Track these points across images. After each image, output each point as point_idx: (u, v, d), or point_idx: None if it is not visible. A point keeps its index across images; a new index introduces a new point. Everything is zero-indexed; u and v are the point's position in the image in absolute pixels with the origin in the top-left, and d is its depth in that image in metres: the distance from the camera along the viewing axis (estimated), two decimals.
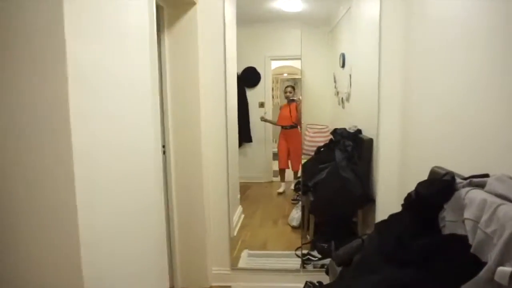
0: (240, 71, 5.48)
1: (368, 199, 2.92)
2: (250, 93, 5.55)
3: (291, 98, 4.74)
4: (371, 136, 3.03)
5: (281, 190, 4.67)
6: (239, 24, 4.25)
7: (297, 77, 9.01)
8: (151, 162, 1.89)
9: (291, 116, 4.65)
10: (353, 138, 3.27)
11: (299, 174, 4.73)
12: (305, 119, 5.24)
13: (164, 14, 2.64)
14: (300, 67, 7.08)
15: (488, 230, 1.09)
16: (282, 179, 4.78)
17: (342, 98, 4.40)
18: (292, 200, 4.47)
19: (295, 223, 3.55)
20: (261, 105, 5.76)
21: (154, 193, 1.92)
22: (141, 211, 1.74)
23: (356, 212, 3.00)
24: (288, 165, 4.73)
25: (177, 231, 2.74)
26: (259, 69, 5.48)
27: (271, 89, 5.81)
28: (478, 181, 1.35)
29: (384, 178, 2.56)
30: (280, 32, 5.52)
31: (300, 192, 4.30)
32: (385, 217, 2.55)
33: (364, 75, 3.32)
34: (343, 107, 4.38)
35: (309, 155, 4.67)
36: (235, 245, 3.22)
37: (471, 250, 1.19)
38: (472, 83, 1.61)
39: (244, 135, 5.38)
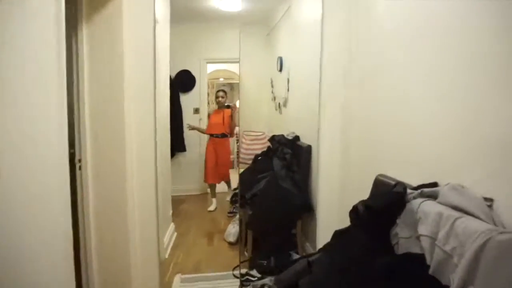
0: (174, 74, 5.11)
1: (307, 209, 2.74)
2: (185, 98, 5.17)
3: (226, 104, 4.44)
4: (309, 143, 2.87)
5: (212, 208, 4.37)
6: (173, 22, 3.88)
7: (234, 81, 8.86)
8: (55, 182, 1.49)
9: (223, 124, 4.36)
10: (292, 145, 3.10)
11: (235, 185, 4.48)
12: (242, 126, 5.02)
13: (82, 1, 2.21)
14: (237, 71, 6.90)
15: (447, 248, 0.94)
16: (213, 194, 4.46)
17: (279, 104, 4.25)
18: (229, 213, 4.18)
19: (232, 238, 3.27)
20: (196, 111, 5.40)
21: (60, 220, 1.52)
22: (43, 243, 1.35)
23: (295, 223, 2.81)
24: (216, 179, 4.41)
25: (96, 259, 2.30)
26: (194, 73, 5.15)
27: (206, 94, 5.50)
28: (429, 191, 1.20)
29: (325, 186, 2.39)
30: (217, 33, 5.24)
31: (237, 205, 4.04)
32: (327, 226, 2.43)
33: (302, 79, 3.17)
34: (280, 112, 4.23)
35: (246, 163, 4.43)
36: (167, 269, 2.85)
37: (430, 272, 1.04)
38: (418, 87, 1.49)
39: (177, 144, 4.98)
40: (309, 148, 2.81)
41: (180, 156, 5.13)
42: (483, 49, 1.09)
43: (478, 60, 1.11)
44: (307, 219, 2.84)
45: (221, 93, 4.45)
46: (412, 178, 1.38)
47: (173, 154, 4.90)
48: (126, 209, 2.15)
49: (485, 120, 1.04)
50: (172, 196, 3.71)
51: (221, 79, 8.61)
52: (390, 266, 1.00)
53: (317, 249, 2.42)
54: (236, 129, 4.68)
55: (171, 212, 3.58)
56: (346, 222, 2.17)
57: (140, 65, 2.33)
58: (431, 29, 1.39)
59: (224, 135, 4.42)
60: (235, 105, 4.55)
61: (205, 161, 4.43)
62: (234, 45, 5.20)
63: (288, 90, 3.84)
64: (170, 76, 4.94)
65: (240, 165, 4.46)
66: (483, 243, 0.79)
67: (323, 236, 2.33)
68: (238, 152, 7.35)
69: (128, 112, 2.12)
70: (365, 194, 1.64)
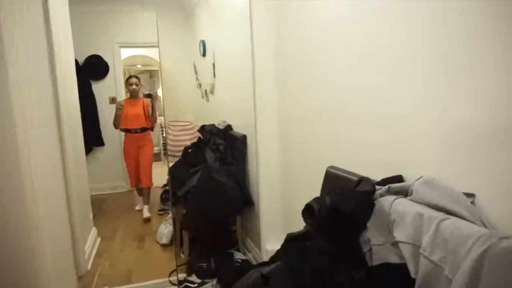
0: (82, 59, 4.52)
1: (247, 203, 2.61)
2: (97, 87, 4.61)
3: (146, 93, 3.87)
4: (243, 132, 2.72)
5: (138, 207, 3.90)
6: (78, 2, 3.37)
7: (153, 68, 8.26)
8: None
9: (145, 116, 3.73)
10: (224, 135, 2.92)
11: (164, 180, 4.14)
12: (166, 116, 4.66)
13: None
14: (156, 57, 6.41)
15: (435, 258, 0.79)
16: (140, 193, 3.92)
17: (205, 91, 4.01)
18: (159, 211, 3.88)
19: (165, 240, 3.01)
20: (113, 100, 4.87)
21: None
22: None
23: (235, 219, 2.67)
24: (140, 182, 3.77)
25: None
26: (106, 58, 4.60)
27: (123, 82, 4.99)
28: (398, 187, 1.05)
29: (266, 178, 2.25)
30: (132, 15, 4.71)
31: (168, 202, 3.76)
32: (271, 221, 2.33)
33: (230, 64, 2.98)
34: (207, 100, 4.01)
35: (174, 156, 4.13)
36: (90, 282, 2.51)
37: (416, 287, 0.87)
38: (353, 72, 1.40)
39: (93, 138, 4.45)
40: (244, 138, 2.66)
41: (98, 151, 4.61)
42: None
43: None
44: (246, 214, 2.71)
45: (134, 80, 3.74)
46: (363, 169, 1.30)
47: (89, 149, 4.38)
48: (26, 219, 1.74)
49: (445, 104, 0.98)
50: (92, 196, 3.30)
51: (139, 66, 7.95)
52: (369, 281, 0.87)
53: (262, 246, 2.33)
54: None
55: (91, 215, 3.17)
56: (291, 217, 2.11)
57: (30, 51, 1.92)
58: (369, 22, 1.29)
59: (145, 129, 3.78)
60: (156, 93, 4.00)
61: (126, 163, 3.83)
62: (151, 28, 4.77)
63: (214, 76, 3.62)
64: (78, 62, 4.38)
65: (169, 158, 4.15)
66: (483, 252, 0.67)
67: (267, 232, 2.23)
68: (164, 144, 6.96)
69: (19, 102, 1.69)
70: (311, 188, 1.54)
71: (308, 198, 1.14)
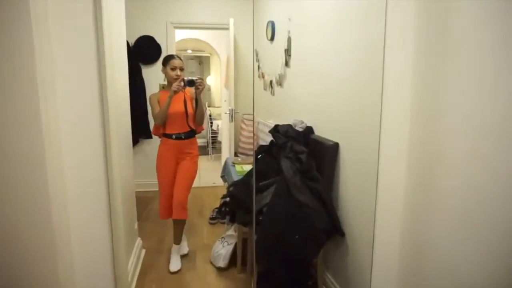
0: (133, 41, 4.07)
1: (336, 233, 2.00)
2: (148, 72, 4.14)
3: (188, 79, 2.45)
4: (330, 138, 2.10)
5: (174, 268, 2.50)
6: None
7: (203, 54, 7.78)
8: None
9: (186, 115, 2.54)
10: (305, 140, 2.31)
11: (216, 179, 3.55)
12: (239, 108, 4.11)
13: None
14: (210, 41, 5.88)
15: None
16: (177, 235, 2.62)
17: (271, 82, 3.42)
18: (211, 219, 3.36)
19: (221, 263, 2.47)
20: (163, 88, 4.41)
21: None
22: None
23: (318, 252, 2.07)
24: (172, 213, 2.55)
25: None
26: (159, 40, 4.13)
27: None
28: None
29: (387, 208, 1.57)
30: None
31: (220, 217, 3.25)
32: (386, 263, 1.66)
33: (318, 51, 2.35)
34: (272, 93, 3.41)
35: (247, 155, 3.59)
36: None
37: None
38: None
39: (140, 129, 4.00)
40: (335, 147, 2.03)
41: (145, 144, 4.18)
42: None
43: None
44: (331, 244, 2.11)
45: (177, 61, 2.53)
46: None
47: (136, 141, 3.95)
48: (49, 233, 1.23)
49: None
50: (137, 193, 2.82)
51: (189, 51, 7.45)
52: None
53: None
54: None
55: (136, 223, 2.70)
56: (414, 257, 1.45)
57: (70, 26, 1.42)
58: None
59: (191, 133, 2.61)
60: (201, 79, 2.53)
61: (160, 184, 2.62)
62: (208, 6, 4.24)
63: (286, 64, 3.01)
64: (128, 43, 3.92)
65: (242, 156, 3.61)
66: None
67: (379, 278, 1.60)
68: (214, 138, 6.49)
69: (51, 93, 1.18)
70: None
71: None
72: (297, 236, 1.90)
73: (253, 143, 2.65)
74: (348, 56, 1.89)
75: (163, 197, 2.61)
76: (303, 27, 2.61)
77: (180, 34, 5.21)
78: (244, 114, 3.83)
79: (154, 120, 2.55)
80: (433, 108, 1.33)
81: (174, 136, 2.57)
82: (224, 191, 3.84)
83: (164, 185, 2.61)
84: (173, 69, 2.51)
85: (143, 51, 4.06)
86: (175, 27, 4.11)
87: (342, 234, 1.98)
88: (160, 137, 2.65)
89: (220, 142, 5.97)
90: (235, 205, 2.36)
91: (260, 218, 2.02)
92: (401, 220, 1.53)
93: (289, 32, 2.89)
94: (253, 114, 2.11)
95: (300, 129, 2.40)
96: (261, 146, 2.58)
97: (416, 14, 1.39)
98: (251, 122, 3.65)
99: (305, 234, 1.92)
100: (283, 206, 2.01)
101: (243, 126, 3.70)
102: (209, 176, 4.76)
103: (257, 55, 3.78)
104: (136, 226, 2.68)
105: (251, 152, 3.61)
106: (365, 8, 1.71)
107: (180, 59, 2.58)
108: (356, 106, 1.81)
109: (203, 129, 2.72)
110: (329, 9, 2.12)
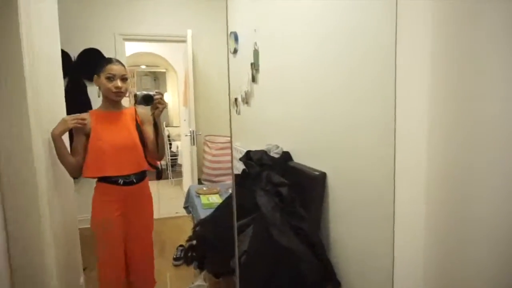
0: (75, 55, 3.56)
1: (327, 281, 1.66)
2: (94, 89, 3.64)
3: (142, 94, 1.73)
4: (316, 167, 1.78)
5: None
6: None
7: (159, 70, 7.27)
8: None
9: (137, 148, 1.78)
10: (282, 169, 1.97)
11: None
12: (200, 129, 3.67)
13: None
14: (166, 55, 5.44)
15: None
16: None
17: (235, 100, 3.08)
18: (175, 260, 2.90)
19: None
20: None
21: None
22: None
23: None
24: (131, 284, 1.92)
25: None
26: (107, 54, 3.65)
27: None
28: None
29: (407, 251, 1.22)
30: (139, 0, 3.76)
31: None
32: None
33: (288, 63, 2.04)
34: (237, 112, 3.06)
35: (212, 182, 3.16)
36: None
37: None
38: None
39: None
40: (322, 177, 1.70)
41: None
42: None
43: None
44: None
45: (117, 68, 1.71)
46: None
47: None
48: None
49: None
50: (82, 231, 2.31)
51: (143, 67, 6.90)
52: None
53: None
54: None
55: (82, 278, 2.19)
56: None
57: None
58: None
59: (144, 175, 1.85)
60: (160, 93, 1.77)
61: (101, 251, 1.76)
62: (163, 16, 3.83)
63: (253, 80, 2.68)
64: (70, 57, 3.42)
65: (206, 183, 3.18)
66: None
67: None
68: (173, 160, 5.99)
69: None
70: None
71: None
72: None
73: (231, 173, 2.15)
74: (337, 67, 1.58)
75: (109, 270, 1.76)
76: (272, 38, 2.30)
77: (132, 48, 4.74)
78: (206, 136, 3.44)
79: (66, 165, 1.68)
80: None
81: (121, 181, 1.74)
82: (189, 224, 3.38)
83: (109, 254, 1.76)
84: (110, 78, 1.68)
85: (87, 65, 3.55)
86: (125, 39, 3.66)
87: (337, 284, 1.64)
88: (95, 180, 1.76)
89: (180, 165, 5.50)
90: (203, 250, 1.96)
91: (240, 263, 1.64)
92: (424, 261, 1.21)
93: (255, 44, 2.57)
94: (231, 138, 1.70)
95: (276, 155, 2.06)
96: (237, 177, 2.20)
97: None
98: (215, 145, 3.26)
99: (294, 285, 1.56)
100: (264, 253, 1.64)
101: (206, 149, 3.31)
102: (170, 205, 4.27)
103: (228, 69, 3.44)
104: (82, 281, 2.17)
105: (217, 179, 3.22)
106: (362, 9, 1.41)
107: (122, 64, 1.76)
108: (351, 126, 1.49)
109: (157, 164, 1.94)
110: (305, 15, 1.82)
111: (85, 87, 3.57)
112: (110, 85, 1.70)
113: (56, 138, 1.60)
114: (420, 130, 1.13)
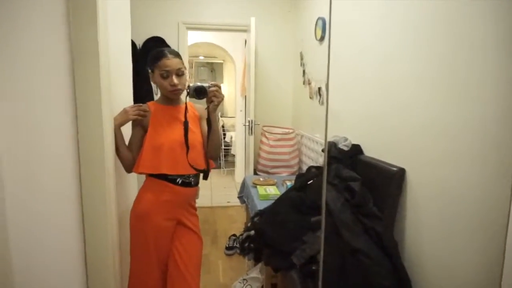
0: (140, 43, 3.64)
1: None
2: None
3: (195, 86, 1.52)
4: (391, 162, 1.61)
5: None
6: None
7: (216, 61, 7.31)
8: None
9: (187, 147, 1.53)
10: (352, 163, 1.82)
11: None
12: (258, 119, 3.60)
13: None
14: (226, 46, 5.42)
15: None
16: None
17: (319, 89, 2.88)
18: (227, 249, 2.86)
19: None
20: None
21: None
22: None
23: None
24: None
25: None
26: (170, 43, 3.68)
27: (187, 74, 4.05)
28: None
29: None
30: None
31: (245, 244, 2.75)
32: None
33: (379, 51, 1.87)
34: (320, 102, 2.85)
35: (267, 173, 3.08)
36: None
37: None
38: None
39: None
40: (400, 174, 1.53)
41: None
42: None
43: None
44: None
45: (171, 62, 1.50)
46: None
47: None
48: None
49: None
50: None
51: (201, 57, 6.96)
52: None
53: None
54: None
55: None
56: None
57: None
58: None
59: (198, 176, 1.64)
60: (217, 85, 1.54)
61: (136, 263, 1.55)
62: (228, 4, 3.80)
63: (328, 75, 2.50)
64: (135, 45, 3.49)
65: (262, 174, 3.11)
66: None
67: None
68: (227, 150, 6.02)
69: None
70: None
71: None
72: None
73: (324, 166, 1.79)
74: (425, 55, 1.39)
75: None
76: (350, 24, 2.13)
77: (192, 38, 4.77)
78: (264, 126, 3.35)
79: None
80: None
81: (179, 180, 1.56)
82: (241, 214, 3.33)
83: (147, 267, 1.54)
84: (164, 74, 1.51)
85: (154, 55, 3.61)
86: (188, 28, 3.67)
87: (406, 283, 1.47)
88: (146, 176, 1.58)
89: (233, 155, 5.49)
90: (261, 242, 1.87)
91: (313, 268, 1.53)
92: None
93: (342, 29, 2.37)
94: (326, 130, 1.50)
95: (345, 148, 1.91)
96: (310, 169, 2.07)
97: None
98: (273, 136, 3.16)
99: None
100: (333, 253, 1.51)
101: (264, 140, 3.22)
102: (222, 195, 4.28)
103: (301, 58, 3.30)
104: None
105: (273, 171, 3.12)
106: None
107: (176, 55, 1.54)
108: (447, 122, 1.30)
109: (214, 166, 1.69)
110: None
111: (149, 74, 3.63)
112: (166, 83, 1.52)
113: (115, 129, 1.48)
114: None
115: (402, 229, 1.56)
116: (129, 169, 1.57)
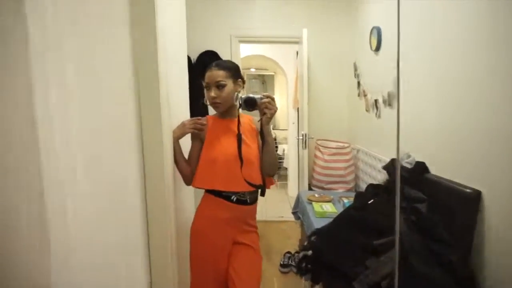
0: (195, 57, 3.74)
1: None
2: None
3: (246, 97, 1.48)
4: (463, 183, 1.46)
5: None
6: None
7: (267, 73, 7.35)
8: None
9: (240, 160, 1.48)
10: (417, 183, 1.69)
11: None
12: (312, 133, 3.56)
13: None
14: (278, 58, 5.42)
15: None
16: None
17: (375, 102, 2.76)
18: (282, 266, 2.79)
19: None
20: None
21: None
22: None
23: None
24: None
25: None
26: (223, 56, 3.76)
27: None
28: None
29: None
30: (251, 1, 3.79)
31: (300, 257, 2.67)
32: None
33: (448, 60, 1.73)
34: (378, 115, 2.73)
35: (322, 189, 2.99)
36: None
37: None
38: None
39: None
40: (476, 197, 1.38)
41: None
42: None
43: None
44: None
45: (211, 74, 1.52)
46: None
47: None
48: None
49: None
50: None
51: (252, 70, 7.04)
52: None
53: None
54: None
55: None
56: None
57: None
58: None
59: (256, 195, 1.60)
60: (271, 99, 1.47)
61: (196, 279, 1.55)
62: (279, 16, 3.79)
63: (398, 79, 2.38)
64: (190, 59, 3.58)
65: (317, 190, 3.03)
66: None
67: None
68: (280, 162, 5.98)
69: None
70: None
71: None
72: None
73: (396, 186, 1.64)
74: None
75: None
76: (419, 35, 2.00)
77: (243, 51, 4.83)
78: (318, 140, 3.26)
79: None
80: None
81: (234, 198, 1.53)
82: (295, 229, 3.25)
83: (205, 283, 1.54)
84: (207, 87, 1.53)
85: (205, 68, 3.70)
86: (240, 41, 3.71)
87: None
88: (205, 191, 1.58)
89: (286, 169, 5.43)
90: (320, 263, 1.79)
91: None
92: None
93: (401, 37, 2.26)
94: (398, 147, 1.40)
95: (408, 165, 1.78)
96: (370, 187, 1.95)
97: None
98: (327, 150, 3.06)
99: None
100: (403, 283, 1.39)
101: (318, 154, 3.13)
102: (276, 208, 4.22)
103: (355, 69, 3.21)
104: None
105: (328, 186, 3.02)
106: None
107: (221, 68, 1.52)
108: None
109: (273, 184, 1.65)
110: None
111: (203, 88, 3.72)
112: (207, 95, 1.52)
113: (173, 142, 1.50)
114: None
115: (481, 260, 1.39)
116: (188, 182, 1.59)
